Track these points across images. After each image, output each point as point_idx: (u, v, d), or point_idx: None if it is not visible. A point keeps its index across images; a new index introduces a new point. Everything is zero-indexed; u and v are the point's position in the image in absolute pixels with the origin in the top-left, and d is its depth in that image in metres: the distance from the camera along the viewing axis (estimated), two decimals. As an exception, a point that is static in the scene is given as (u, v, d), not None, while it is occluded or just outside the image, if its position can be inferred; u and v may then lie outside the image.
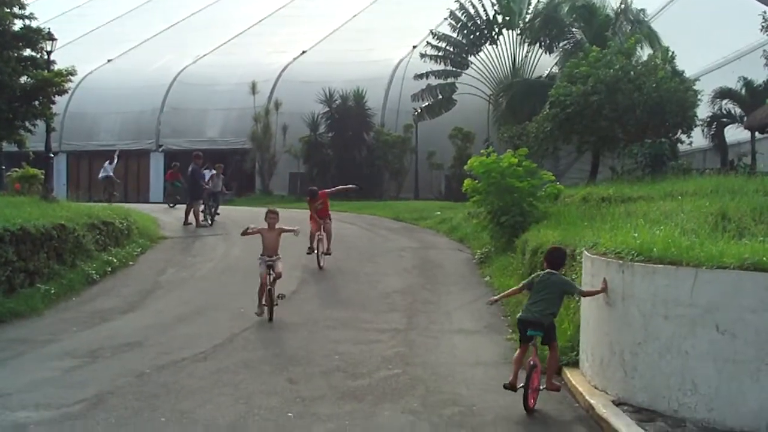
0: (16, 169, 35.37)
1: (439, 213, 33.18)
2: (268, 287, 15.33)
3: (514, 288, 11.85)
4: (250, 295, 15.93)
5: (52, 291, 17.53)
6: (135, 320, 15.88)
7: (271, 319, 15.20)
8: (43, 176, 33.38)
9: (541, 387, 10.57)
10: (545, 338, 10.69)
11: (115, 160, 40.60)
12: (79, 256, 19.90)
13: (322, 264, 21.18)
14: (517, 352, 10.74)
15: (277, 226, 16.12)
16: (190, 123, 54.54)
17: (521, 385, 10.25)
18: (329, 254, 21.68)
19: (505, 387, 10.34)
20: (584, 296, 11.16)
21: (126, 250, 22.89)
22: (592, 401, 10.16)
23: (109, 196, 37.52)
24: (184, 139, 53.41)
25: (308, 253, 21.55)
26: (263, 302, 15.41)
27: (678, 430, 8.98)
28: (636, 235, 11.16)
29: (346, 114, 49.55)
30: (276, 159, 50.81)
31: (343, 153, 49.33)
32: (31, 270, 17.44)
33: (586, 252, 11.70)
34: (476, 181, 22.97)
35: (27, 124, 29.64)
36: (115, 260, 21.43)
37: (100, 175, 40.20)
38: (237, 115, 53.27)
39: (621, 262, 10.24)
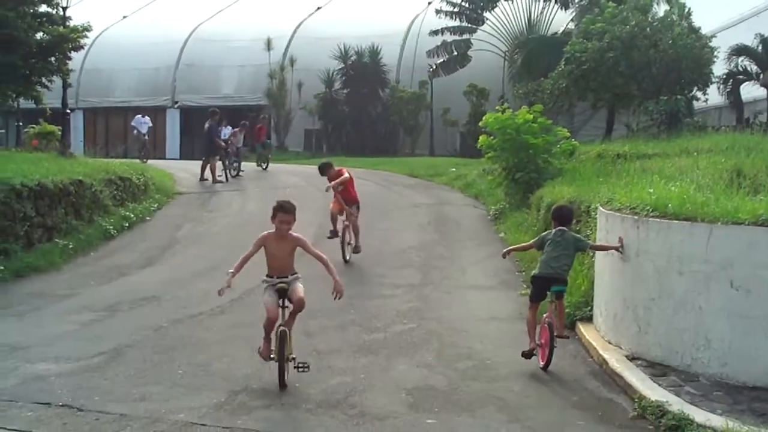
0: (34, 125, 35.44)
1: (453, 169, 33.17)
2: (280, 327, 9.16)
3: (524, 243, 11.96)
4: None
5: (70, 246, 17.66)
6: (152, 275, 16.00)
7: (282, 384, 9.06)
8: (60, 132, 33.47)
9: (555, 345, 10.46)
10: (563, 293, 10.69)
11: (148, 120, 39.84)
12: (96, 211, 20.03)
13: (348, 256, 16.88)
14: (530, 314, 10.72)
15: (293, 235, 9.57)
16: (206, 79, 54.51)
17: (539, 343, 10.35)
18: (358, 252, 17.24)
19: (524, 355, 10.32)
20: (596, 250, 11.33)
21: (143, 206, 23.01)
22: (605, 356, 10.22)
23: (143, 154, 37.06)
24: (200, 96, 53.42)
25: (329, 237, 17.11)
26: (272, 346, 9.29)
27: (691, 385, 9.03)
28: (651, 191, 11.16)
29: (362, 70, 49.43)
30: (291, 116, 50.79)
31: (359, 110, 49.27)
32: (49, 225, 17.56)
33: (601, 208, 11.71)
34: (491, 138, 22.92)
35: (43, 80, 29.66)
36: (132, 216, 21.56)
37: (135, 132, 39.35)
38: (252, 71, 53.19)
39: (636, 217, 10.25)
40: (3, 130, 37.91)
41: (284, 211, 9.43)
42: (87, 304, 13.42)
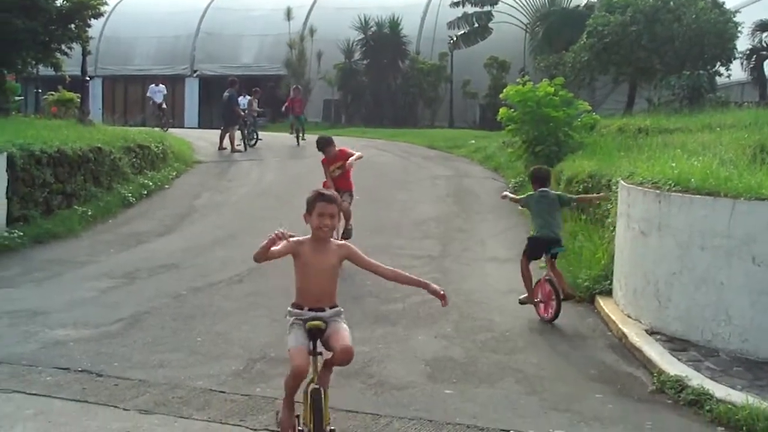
0: (53, 92, 35.43)
1: (473, 142, 33.06)
2: (313, 384, 6.29)
3: (517, 198, 12.39)
4: (285, 220, 15.91)
5: (89, 213, 17.70)
6: (171, 243, 16.02)
7: None
8: (79, 100, 33.47)
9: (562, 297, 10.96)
10: (556, 254, 11.38)
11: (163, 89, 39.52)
12: (115, 178, 20.06)
13: None
14: (524, 269, 11.34)
15: (338, 242, 6.81)
16: (225, 49, 54.42)
17: (539, 299, 11.18)
18: (349, 236, 14.36)
19: (521, 302, 11.25)
20: (581, 202, 12.58)
21: (161, 174, 23.03)
22: (625, 330, 10.18)
23: (163, 122, 36.89)
24: (219, 65, 53.36)
25: None
26: (297, 413, 6.46)
27: (711, 360, 8.98)
28: (673, 165, 11.08)
29: (382, 41, 49.24)
30: (310, 86, 50.63)
31: (378, 81, 49.13)
32: (68, 192, 17.60)
33: (622, 182, 11.64)
34: (512, 110, 22.80)
35: (63, 47, 29.60)
36: (150, 183, 21.58)
37: (151, 102, 39.07)
38: (272, 41, 53.06)
39: (658, 191, 10.18)
40: (22, 97, 37.84)
41: (326, 200, 6.29)
42: (106, 270, 13.46)
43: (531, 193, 11.69)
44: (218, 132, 30.99)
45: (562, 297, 10.84)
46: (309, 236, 6.37)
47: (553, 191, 11.62)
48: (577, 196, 11.85)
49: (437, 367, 8.86)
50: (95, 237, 16.51)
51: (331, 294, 6.57)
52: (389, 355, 9.23)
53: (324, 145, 14.87)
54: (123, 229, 17.40)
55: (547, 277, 11.14)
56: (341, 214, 13.54)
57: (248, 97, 33.15)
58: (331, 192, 6.65)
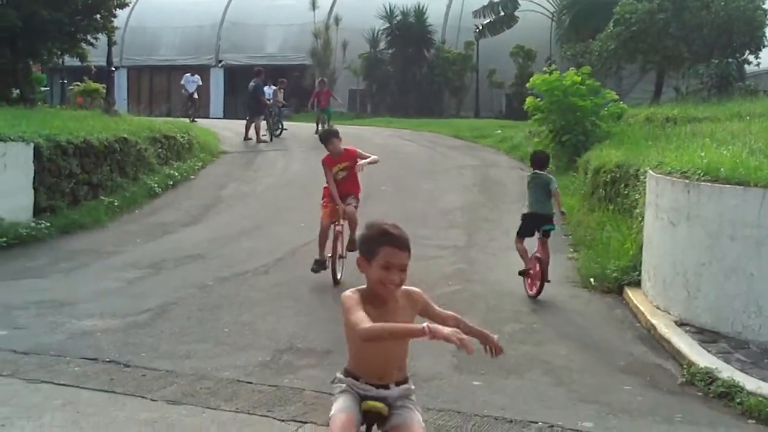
0: (78, 83, 35.59)
1: (499, 131, 32.95)
2: None
3: None
4: (311, 210, 15.87)
5: (116, 203, 17.75)
6: (197, 233, 16.04)
7: None
8: (104, 90, 33.58)
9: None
10: (550, 232, 11.90)
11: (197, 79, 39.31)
12: (141, 169, 20.10)
13: (339, 275, 12.02)
14: (519, 245, 11.97)
15: (409, 290, 4.74)
16: (250, 38, 54.41)
17: (532, 271, 11.76)
18: (354, 249, 11.55)
19: (520, 274, 11.87)
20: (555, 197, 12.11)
21: (187, 164, 23.07)
22: (653, 321, 10.10)
23: (191, 113, 36.73)
24: (244, 55, 53.34)
25: (314, 270, 12.05)
26: None
27: (741, 352, 8.90)
28: (702, 154, 10.99)
29: (407, 30, 49.08)
30: (336, 75, 50.55)
31: (403, 70, 48.98)
32: (94, 182, 17.64)
33: (650, 171, 11.54)
34: (538, 100, 22.75)
35: (88, 37, 29.67)
36: (176, 174, 21.61)
37: (183, 90, 38.86)
38: (297, 30, 52.99)
39: (687, 181, 10.08)
40: (48, 88, 38.03)
41: (397, 245, 4.45)
42: (132, 261, 13.48)
43: (527, 175, 12.58)
44: (243, 122, 31.02)
45: (547, 279, 11.49)
46: (363, 288, 4.50)
47: (547, 175, 12.07)
48: (557, 193, 12.00)
49: (465, 358, 8.76)
50: (121, 227, 16.55)
51: (401, 365, 4.73)
52: (416, 346, 9.14)
53: (328, 136, 12.47)
54: (149, 219, 17.44)
55: (537, 255, 11.70)
56: (344, 221, 12.18)
57: (273, 87, 33.14)
58: (402, 232, 4.48)
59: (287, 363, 8.44)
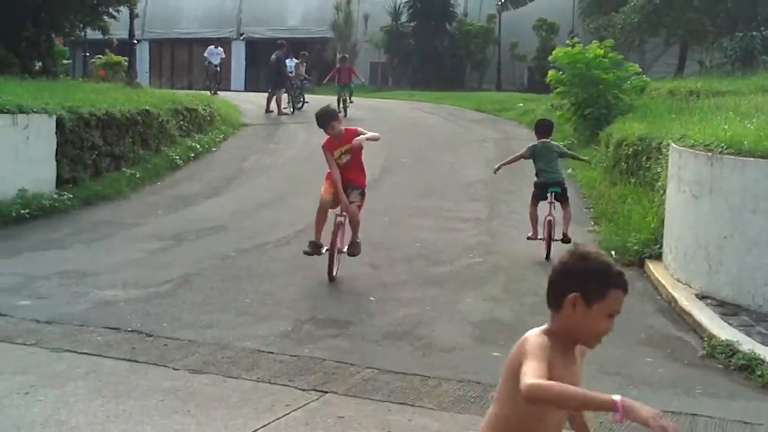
0: (100, 56, 35.65)
1: (521, 104, 32.82)
2: None
3: (513, 156, 13.53)
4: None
5: (138, 175, 17.78)
6: (219, 205, 16.08)
7: None
8: (126, 63, 33.64)
9: (555, 238, 12.20)
10: (561, 195, 12.46)
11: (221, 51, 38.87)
12: (163, 141, 20.12)
13: (335, 271, 10.59)
14: (531, 210, 12.44)
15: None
16: (271, 11, 54.34)
17: (540, 237, 12.29)
18: (355, 252, 10.89)
19: (528, 239, 12.42)
20: (572, 158, 14.14)
21: (209, 137, 23.07)
22: (674, 294, 10.08)
23: (212, 86, 36.53)
24: (265, 28, 53.28)
25: (308, 252, 10.69)
26: None
27: (762, 325, 8.87)
28: (726, 127, 10.93)
29: (429, 3, 48.93)
30: (357, 49, 50.47)
31: (425, 43, 48.86)
32: (116, 154, 17.68)
33: (673, 144, 11.49)
34: (560, 73, 22.64)
35: (110, 10, 29.72)
36: (198, 146, 21.62)
37: (207, 62, 38.56)
38: (318, 3, 52.91)
39: (710, 154, 10.03)
40: (70, 61, 38.10)
41: (625, 288, 3.61)
42: (154, 232, 13.54)
43: (534, 143, 12.83)
44: (265, 95, 31.00)
45: (560, 239, 12.10)
46: (545, 330, 3.55)
47: (552, 142, 12.97)
48: (569, 152, 13.54)
49: (485, 329, 8.83)
50: (143, 199, 16.61)
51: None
52: (438, 317, 9.21)
53: (326, 119, 10.77)
54: (171, 191, 17.49)
55: (549, 218, 12.24)
56: (346, 220, 10.78)
57: (295, 60, 33.07)
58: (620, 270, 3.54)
59: (308, 333, 8.49)
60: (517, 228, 14.17)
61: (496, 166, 13.57)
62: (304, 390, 6.85)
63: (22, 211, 14.03)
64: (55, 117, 15.47)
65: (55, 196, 15.04)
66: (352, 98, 31.41)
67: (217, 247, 12.39)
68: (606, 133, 19.31)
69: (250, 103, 31.62)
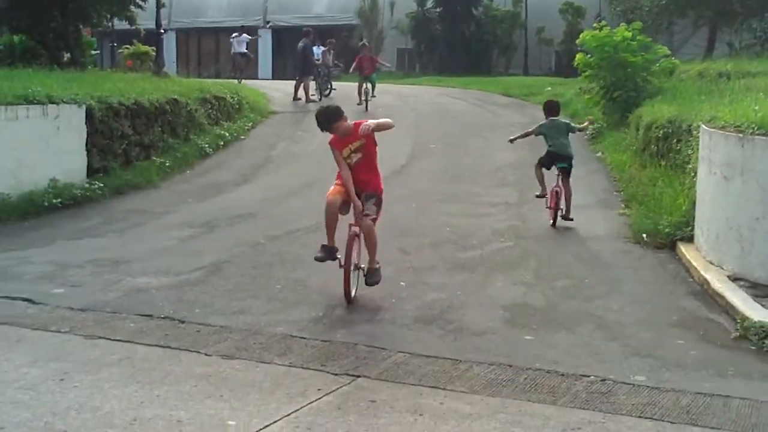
0: (128, 46, 35.80)
1: (549, 89, 32.66)
2: None
3: (526, 131, 14.53)
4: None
5: (167, 164, 17.88)
6: (248, 193, 16.14)
7: None
8: (154, 53, 33.76)
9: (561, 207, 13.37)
10: (567, 170, 13.55)
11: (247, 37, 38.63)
12: (192, 130, 20.21)
13: (354, 291, 9.10)
14: (537, 171, 13.86)
15: None
16: (297, -1, 54.38)
17: (551, 205, 13.32)
18: (373, 281, 9.23)
19: (537, 197, 13.76)
20: (579, 131, 14.61)
21: (237, 125, 23.14)
22: (706, 276, 10.03)
23: (239, 73, 36.47)
24: (291, 16, 53.32)
25: (319, 259, 9.30)
26: None
27: (795, 306, 8.82)
28: (756, 108, 10.83)
29: (455, -12, 48.82)
30: (383, 35, 50.43)
31: (451, 28, 48.76)
32: (146, 143, 17.78)
33: (703, 126, 11.41)
34: (588, 56, 22.53)
35: (137, 0, 29.84)
36: (227, 134, 21.69)
37: (233, 50, 38.42)
38: (344, -10, 52.89)
39: (741, 135, 9.96)
40: (98, 51, 38.29)
41: None
42: (185, 220, 13.61)
43: (543, 122, 14.03)
44: (292, 83, 31.02)
45: (562, 216, 13.27)
46: None
47: (560, 119, 14.05)
48: (577, 126, 14.27)
49: (516, 313, 8.82)
50: (173, 187, 16.69)
51: None
52: (468, 301, 9.21)
53: (328, 119, 9.30)
54: (200, 179, 17.57)
55: (556, 189, 13.33)
56: (360, 238, 9.20)
57: (323, 48, 33.05)
58: None
59: (339, 318, 8.51)
60: (547, 212, 14.14)
61: (511, 138, 14.66)
62: (336, 374, 6.87)
63: (54, 201, 14.16)
64: (84, 107, 15.59)
65: (86, 185, 15.17)
66: (374, 93, 28.52)
67: (247, 234, 12.44)
68: (635, 116, 19.20)
69: (278, 91, 31.64)
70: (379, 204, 9.28)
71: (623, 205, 14.49)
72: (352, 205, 9.23)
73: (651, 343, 7.99)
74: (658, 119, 16.07)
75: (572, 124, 14.19)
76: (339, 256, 9.09)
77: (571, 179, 13.65)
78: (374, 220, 9.14)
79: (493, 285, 9.92)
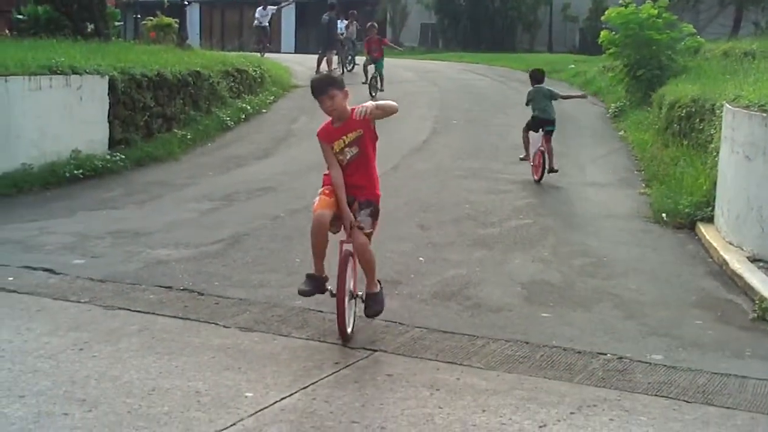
0: (151, 18, 35.79)
1: (573, 66, 32.54)
2: None
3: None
4: (385, 146, 15.69)
5: (189, 136, 17.92)
6: (269, 166, 16.17)
7: None
8: (177, 25, 33.75)
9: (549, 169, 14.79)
10: (550, 132, 14.92)
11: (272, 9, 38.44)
12: (213, 102, 20.24)
13: (351, 326, 7.14)
14: (524, 135, 15.14)
15: None
16: (322, -28, 54.20)
17: (536, 163, 14.83)
18: (374, 311, 7.21)
19: (521, 159, 15.25)
20: (565, 99, 15.77)
21: (259, 98, 23.16)
22: (726, 257, 10.00)
23: (261, 48, 36.39)
24: (315, -11, 53.18)
25: (304, 292, 7.37)
26: None
27: (815, 288, 8.79)
28: (781, 88, 10.77)
29: (480, -37, 48.58)
30: (407, 10, 50.29)
31: (476, 4, 48.59)
32: (168, 115, 17.82)
33: (727, 105, 11.36)
34: (613, 33, 22.42)
35: (162, -30, 29.85)
36: (248, 108, 21.72)
37: (254, 23, 38.23)
38: (365, -37, 52.68)
39: (765, 115, 9.89)
40: (122, 23, 38.28)
41: None
42: (205, 193, 13.66)
43: (530, 89, 15.38)
44: (315, 56, 30.98)
45: (548, 170, 14.71)
46: None
47: (545, 87, 15.32)
48: (560, 93, 15.56)
49: (534, 290, 8.83)
50: (194, 160, 16.74)
51: None
52: (486, 278, 9.21)
53: (323, 85, 7.31)
54: (221, 152, 17.61)
55: (541, 149, 14.78)
56: (353, 258, 7.33)
57: (345, 21, 32.98)
58: None
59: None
60: (567, 190, 14.18)
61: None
62: (353, 348, 6.90)
63: (75, 172, 14.23)
64: (107, 78, 15.63)
65: (108, 157, 15.22)
66: (383, 86, 25.43)
67: (267, 208, 12.47)
68: (659, 94, 19.09)
69: (301, 65, 31.63)
70: (375, 215, 7.36)
71: (644, 185, 14.46)
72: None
73: (669, 322, 7.98)
74: (682, 98, 15.98)
75: (555, 91, 15.45)
76: (329, 287, 7.26)
77: (553, 140, 15.14)
78: (369, 235, 7.29)
79: (512, 262, 9.92)
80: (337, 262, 7.20)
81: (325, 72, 28.97)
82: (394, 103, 7.32)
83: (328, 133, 7.43)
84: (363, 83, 25.57)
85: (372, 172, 7.54)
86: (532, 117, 15.18)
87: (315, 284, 7.33)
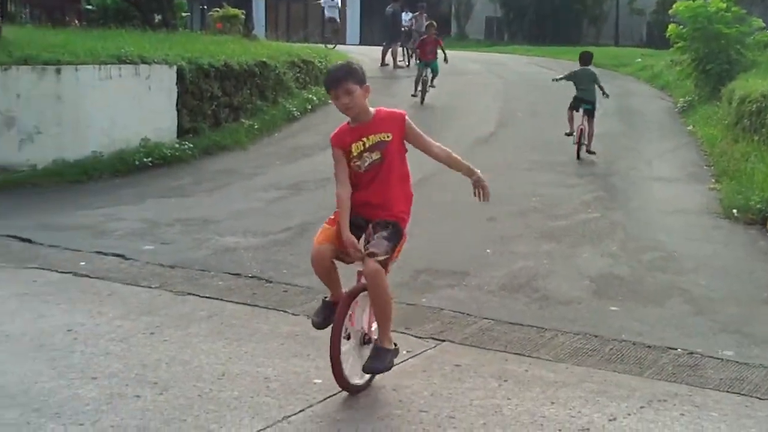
0: (218, 9, 36.05)
1: (640, 60, 32.23)
2: None
3: (563, 75, 17.12)
4: (451, 138, 15.56)
5: (255, 126, 18.04)
6: (335, 157, 16.17)
7: None
8: (243, 16, 33.97)
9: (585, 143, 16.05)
10: (590, 112, 16.22)
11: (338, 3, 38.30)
12: (280, 93, 20.33)
13: (357, 377, 5.72)
14: (569, 113, 16.53)
15: None
16: (387, -36, 54.18)
17: (576, 141, 16.08)
18: (377, 367, 5.61)
19: (566, 135, 16.45)
20: (599, 87, 16.43)
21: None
22: (799, 253, 9.85)
23: (328, 38, 36.38)
24: (380, -18, 53.18)
25: (316, 323, 5.97)
26: None
27: None
28: None
29: (545, -44, 48.30)
30: (472, 2, 50.11)
31: (541, -3, 48.29)
32: (235, 105, 17.95)
33: (801, 100, 11.17)
34: (681, 27, 22.16)
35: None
36: (314, 98, 21.75)
37: (326, 15, 38.09)
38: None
39: (840, 110, 9.73)
40: (189, 14, 38.61)
41: None
42: (272, 182, 13.75)
43: (576, 69, 16.74)
44: (380, 48, 30.99)
45: (582, 143, 15.93)
46: None
47: (590, 69, 16.66)
48: (601, 84, 16.50)
49: (602, 284, 8.75)
50: (261, 149, 16.85)
51: None
52: (554, 270, 9.15)
53: (338, 79, 5.79)
54: (288, 142, 17.69)
55: (581, 127, 15.99)
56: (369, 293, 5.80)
57: (411, 14, 32.93)
58: None
59: (425, 283, 8.52)
60: (636, 185, 14.05)
61: (554, 78, 17.38)
62: (421, 338, 6.90)
63: (145, 160, 14.43)
64: (175, 67, 15.79)
65: (176, 145, 15.39)
66: (434, 82, 23.52)
67: (333, 197, 12.42)
68: (728, 89, 18.83)
69: (365, 57, 31.56)
70: (394, 238, 5.83)
71: (713, 180, 14.25)
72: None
73: (740, 318, 7.86)
74: (752, 93, 15.76)
75: (597, 78, 16.58)
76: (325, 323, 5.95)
77: (595, 120, 16.38)
78: (386, 264, 5.68)
79: (580, 255, 9.85)
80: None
81: (389, 65, 29.01)
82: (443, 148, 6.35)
83: (342, 135, 6.07)
84: (412, 95, 23.13)
85: (398, 188, 6.07)
86: (575, 97, 16.47)
87: (330, 312, 5.81)
